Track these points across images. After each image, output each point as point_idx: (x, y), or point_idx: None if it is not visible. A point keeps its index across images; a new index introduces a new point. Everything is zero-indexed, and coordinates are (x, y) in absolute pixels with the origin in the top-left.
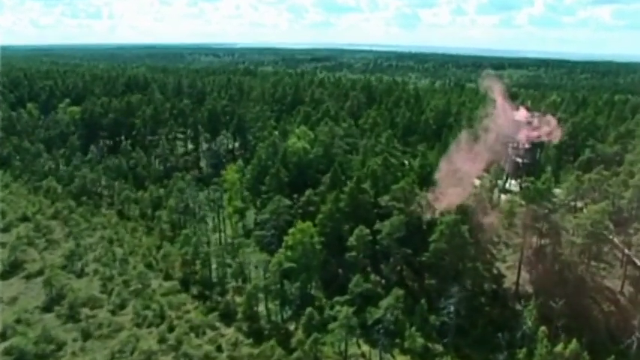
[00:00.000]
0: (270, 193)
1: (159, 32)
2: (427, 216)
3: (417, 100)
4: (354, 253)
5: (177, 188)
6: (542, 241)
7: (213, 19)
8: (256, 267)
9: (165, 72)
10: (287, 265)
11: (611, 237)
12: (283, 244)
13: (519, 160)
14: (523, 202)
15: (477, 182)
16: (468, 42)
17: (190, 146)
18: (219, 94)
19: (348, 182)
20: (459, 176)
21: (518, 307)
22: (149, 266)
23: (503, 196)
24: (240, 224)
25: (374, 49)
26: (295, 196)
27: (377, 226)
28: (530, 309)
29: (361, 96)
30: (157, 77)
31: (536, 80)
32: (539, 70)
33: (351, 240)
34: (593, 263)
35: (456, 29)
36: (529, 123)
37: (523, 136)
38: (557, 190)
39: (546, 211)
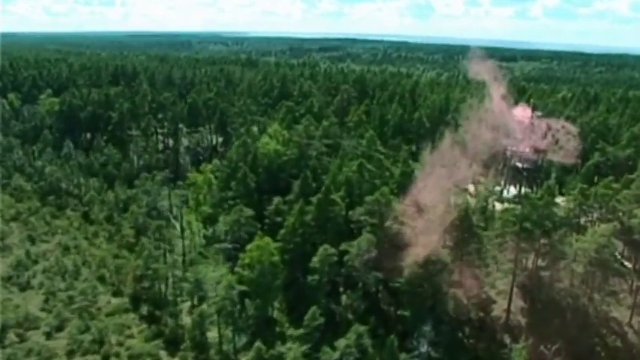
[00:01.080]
0: (237, 199)
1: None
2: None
3: (412, 95)
4: (316, 277)
5: (142, 190)
6: (539, 263)
7: (226, 7)
8: (218, 283)
9: (163, 61)
10: (239, 287)
11: (618, 260)
12: (239, 262)
13: (520, 164)
14: (516, 217)
15: (472, 188)
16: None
17: (172, 142)
18: (208, 86)
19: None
20: (431, 199)
21: (508, 339)
22: (101, 279)
23: (498, 206)
24: (210, 231)
25: (385, 39)
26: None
27: (343, 246)
28: (520, 349)
29: (352, 90)
30: (151, 67)
31: (548, 73)
32: (552, 63)
33: (314, 261)
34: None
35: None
36: (531, 125)
37: (525, 145)
38: (560, 200)
39: (545, 229)
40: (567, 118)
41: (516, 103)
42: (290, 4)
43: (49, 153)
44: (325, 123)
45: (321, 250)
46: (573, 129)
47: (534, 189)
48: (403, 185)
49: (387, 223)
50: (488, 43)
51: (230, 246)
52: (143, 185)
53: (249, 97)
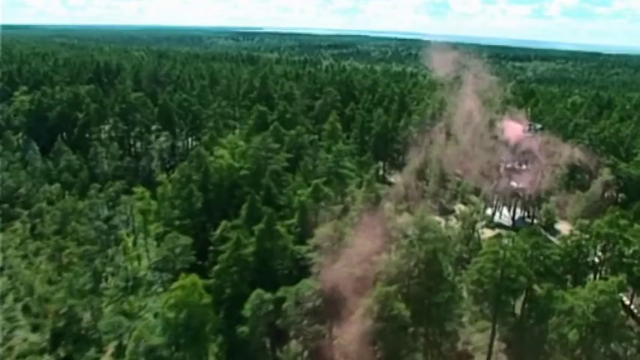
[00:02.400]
0: (185, 220)
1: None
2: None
3: (402, 98)
4: (246, 329)
5: (89, 204)
6: (525, 319)
7: (241, 3)
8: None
9: (162, 57)
10: (156, 339)
11: (623, 319)
12: (163, 303)
13: (514, 184)
14: (496, 262)
15: (460, 209)
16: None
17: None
18: (191, 85)
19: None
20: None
21: None
22: (26, 309)
23: (488, 233)
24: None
25: (399, 36)
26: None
27: (280, 292)
28: None
29: (336, 93)
30: (139, 64)
31: (562, 74)
32: (567, 64)
33: (245, 309)
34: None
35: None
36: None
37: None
38: (562, 228)
39: (531, 279)
40: (575, 128)
41: (508, 110)
42: (305, 0)
43: (6, 156)
44: (292, 132)
45: (253, 295)
46: (574, 151)
47: (532, 212)
48: (365, 213)
49: (338, 265)
50: (503, 43)
51: (159, 280)
52: (96, 196)
53: (227, 99)
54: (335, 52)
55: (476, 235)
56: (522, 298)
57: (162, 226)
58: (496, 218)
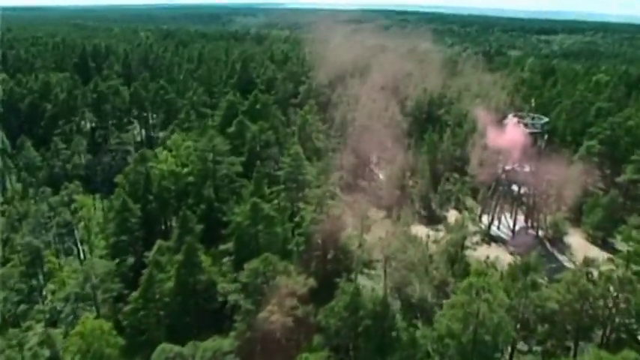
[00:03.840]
0: (121, 236)
1: None
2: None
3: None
4: None
5: (34, 210)
6: None
7: None
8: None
9: (168, 37)
10: None
11: None
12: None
13: (515, 188)
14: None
15: (453, 217)
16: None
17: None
18: (179, 69)
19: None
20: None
21: None
22: None
23: (480, 250)
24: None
25: (421, 10)
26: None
27: (187, 348)
28: None
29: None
30: (133, 46)
31: (591, 47)
32: (596, 36)
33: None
34: None
35: None
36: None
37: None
38: (573, 242)
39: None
40: (597, 114)
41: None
42: None
43: None
44: (255, 127)
45: (157, 350)
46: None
47: (536, 222)
48: (317, 236)
49: (263, 314)
50: (527, 15)
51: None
52: (45, 200)
53: (207, 85)
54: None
55: (466, 252)
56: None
57: (103, 239)
58: (494, 229)
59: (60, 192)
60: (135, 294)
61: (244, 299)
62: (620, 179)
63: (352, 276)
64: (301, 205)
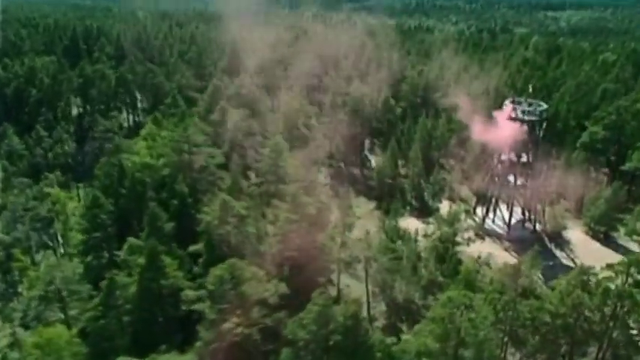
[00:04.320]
0: (94, 233)
1: None
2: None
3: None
4: None
5: (10, 202)
6: None
7: None
8: None
9: (165, 18)
10: None
11: None
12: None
13: (512, 179)
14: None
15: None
16: None
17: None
18: (170, 51)
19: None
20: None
21: None
22: None
23: (473, 246)
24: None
25: None
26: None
27: None
28: None
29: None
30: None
31: (599, 24)
32: (606, 12)
33: None
34: None
35: None
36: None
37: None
38: (573, 237)
39: None
40: (603, 96)
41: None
42: None
43: None
44: (236, 115)
45: None
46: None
47: (533, 215)
48: (294, 236)
49: (228, 325)
50: None
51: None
52: (23, 190)
53: (195, 67)
54: (357, 6)
55: (458, 249)
56: None
57: (80, 233)
58: (488, 222)
59: (39, 183)
60: (95, 300)
61: (210, 308)
62: (625, 167)
63: (335, 278)
64: (276, 201)
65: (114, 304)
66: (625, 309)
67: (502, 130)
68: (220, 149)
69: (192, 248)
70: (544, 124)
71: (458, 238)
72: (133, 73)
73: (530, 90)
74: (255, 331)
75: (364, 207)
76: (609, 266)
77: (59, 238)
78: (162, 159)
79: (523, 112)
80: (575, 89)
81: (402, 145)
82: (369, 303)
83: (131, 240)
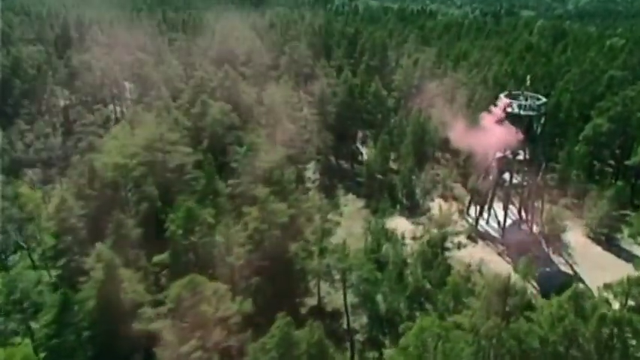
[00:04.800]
0: (64, 236)
1: None
2: None
3: (383, 50)
4: None
5: None
6: None
7: None
8: None
9: (164, 3)
10: None
11: None
12: None
13: (507, 177)
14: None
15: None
16: None
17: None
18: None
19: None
20: None
21: None
22: None
23: (465, 250)
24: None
25: None
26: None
27: None
28: None
29: (304, 48)
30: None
31: (608, 6)
32: None
33: None
34: None
35: None
36: None
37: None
38: (573, 239)
39: None
40: (609, 83)
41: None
42: None
43: None
44: (216, 108)
45: None
46: None
47: (530, 216)
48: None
49: (186, 348)
50: None
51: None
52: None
53: (184, 56)
54: None
55: (449, 253)
56: None
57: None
58: (482, 224)
59: (17, 181)
60: (47, 317)
61: (168, 327)
62: (630, 162)
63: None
64: (246, 208)
65: (69, 322)
66: (623, 337)
67: (489, 136)
68: (200, 145)
69: (156, 259)
70: (542, 120)
71: (448, 243)
72: (121, 63)
73: (528, 82)
74: (216, 355)
75: (353, 205)
76: (607, 287)
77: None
78: (135, 158)
79: (520, 106)
80: (579, 77)
81: (394, 139)
82: (347, 315)
83: (99, 246)
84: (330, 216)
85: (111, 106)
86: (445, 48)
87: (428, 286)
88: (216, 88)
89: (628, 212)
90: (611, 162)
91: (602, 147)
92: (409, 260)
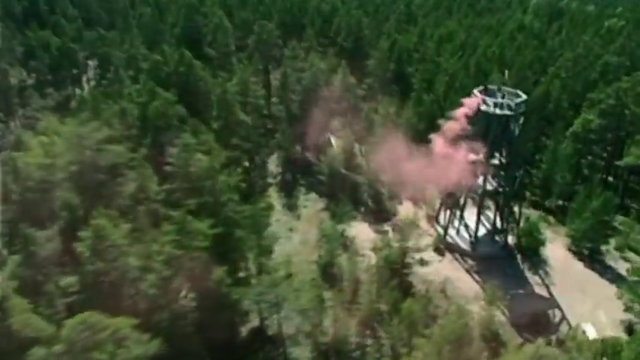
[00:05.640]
0: None
1: None
2: None
3: (358, 32)
4: None
5: None
6: None
7: None
8: None
9: None
10: None
11: None
12: None
13: (481, 182)
14: None
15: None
16: None
17: None
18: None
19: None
20: None
21: None
22: None
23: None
24: None
25: None
26: None
27: None
28: None
29: (274, 29)
30: None
31: None
32: None
33: None
34: None
35: None
36: None
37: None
38: (553, 254)
39: None
40: (603, 70)
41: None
42: None
43: None
44: (156, 103)
45: None
46: None
47: (505, 226)
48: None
49: None
50: None
51: None
52: None
53: (146, 35)
54: None
55: (410, 270)
56: None
57: None
58: (452, 233)
59: None
60: None
61: None
62: (621, 162)
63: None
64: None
65: None
66: None
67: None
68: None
69: (64, 282)
70: (521, 120)
71: (409, 259)
72: (80, 41)
73: (506, 77)
74: None
75: (314, 206)
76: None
77: None
78: (63, 158)
79: (495, 105)
80: (572, 63)
81: (364, 131)
82: (285, 348)
83: (14, 259)
84: (285, 219)
85: (70, 89)
86: (430, 28)
87: (384, 307)
88: (171, 73)
89: (617, 217)
90: (601, 162)
91: (592, 144)
92: (365, 277)
